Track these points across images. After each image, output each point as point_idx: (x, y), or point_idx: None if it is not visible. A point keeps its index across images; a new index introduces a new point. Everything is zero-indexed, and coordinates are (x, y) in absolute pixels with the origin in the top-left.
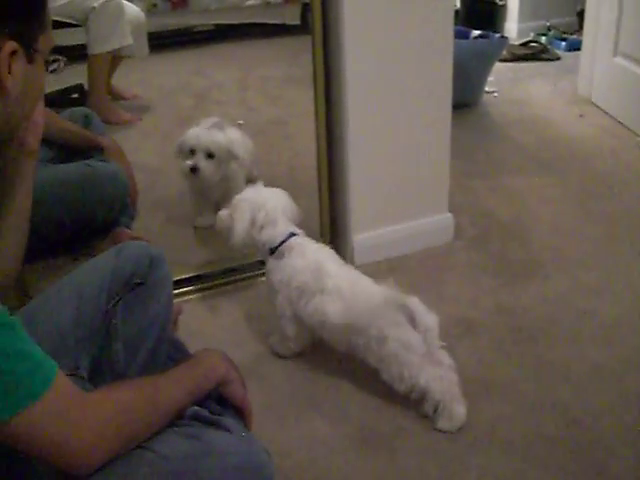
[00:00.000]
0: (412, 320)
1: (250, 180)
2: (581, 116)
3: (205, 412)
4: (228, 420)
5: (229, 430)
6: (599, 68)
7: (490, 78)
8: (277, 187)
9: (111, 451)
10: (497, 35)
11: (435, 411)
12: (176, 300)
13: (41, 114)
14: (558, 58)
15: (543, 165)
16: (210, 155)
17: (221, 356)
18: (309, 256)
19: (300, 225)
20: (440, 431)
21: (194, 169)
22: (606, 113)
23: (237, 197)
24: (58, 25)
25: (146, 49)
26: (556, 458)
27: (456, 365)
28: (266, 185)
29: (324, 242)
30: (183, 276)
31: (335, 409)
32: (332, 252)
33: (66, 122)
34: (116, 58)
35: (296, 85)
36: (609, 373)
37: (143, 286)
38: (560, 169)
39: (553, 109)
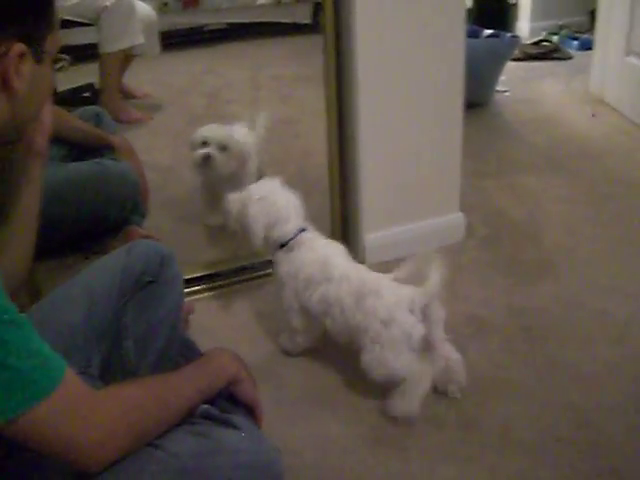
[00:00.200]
0: (423, 313)
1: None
2: (593, 115)
3: (215, 410)
4: (238, 418)
5: (239, 428)
6: (611, 67)
7: (502, 77)
8: (288, 186)
9: (121, 449)
10: (509, 34)
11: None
12: (187, 299)
13: (49, 114)
14: (570, 57)
15: (555, 164)
16: (223, 148)
17: (231, 355)
18: (318, 250)
19: (311, 224)
20: (386, 412)
21: (206, 157)
22: (618, 112)
23: (248, 191)
24: (69, 24)
25: (157, 48)
26: (568, 458)
27: (465, 362)
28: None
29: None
30: (194, 275)
31: (347, 408)
32: (341, 247)
33: (77, 121)
34: (127, 57)
35: (307, 84)
36: (621, 373)
37: (154, 284)
38: (572, 168)
39: (565, 108)
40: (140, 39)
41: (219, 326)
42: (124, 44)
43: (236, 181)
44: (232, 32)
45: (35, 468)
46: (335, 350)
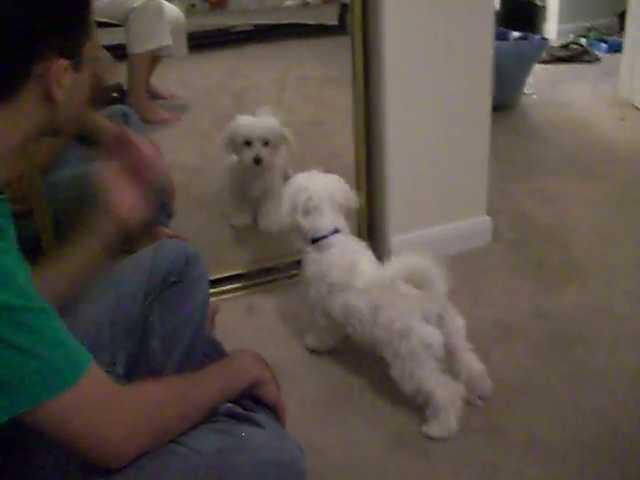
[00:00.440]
0: (439, 321)
1: (286, 180)
2: (622, 119)
3: (238, 409)
4: (261, 416)
5: (262, 426)
6: None
7: (529, 80)
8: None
9: (142, 446)
10: (537, 37)
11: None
12: (213, 299)
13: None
14: (598, 60)
15: (582, 168)
16: (266, 142)
17: (255, 357)
18: (346, 255)
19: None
20: (425, 435)
21: (257, 160)
22: None
23: (295, 178)
24: (98, 25)
25: (185, 49)
26: (593, 465)
27: (489, 369)
28: None
29: None
30: (220, 275)
31: (370, 410)
32: (370, 254)
33: (105, 120)
34: (155, 58)
35: (334, 85)
36: None
37: (179, 284)
38: (600, 172)
39: (593, 112)
40: (168, 40)
41: (244, 327)
42: (152, 45)
43: (268, 176)
44: (259, 33)
45: (35, 468)
46: (358, 352)
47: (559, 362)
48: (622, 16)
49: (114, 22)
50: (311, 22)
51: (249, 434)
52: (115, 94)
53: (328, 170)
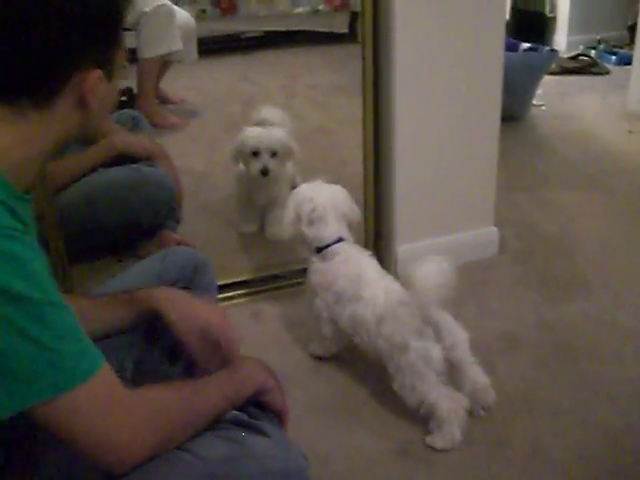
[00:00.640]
0: (438, 334)
1: (293, 188)
2: (630, 132)
3: (244, 416)
4: (267, 425)
5: (267, 434)
6: None
7: (538, 91)
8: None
9: (147, 450)
10: (547, 48)
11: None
12: (220, 305)
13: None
14: (607, 72)
15: (590, 180)
16: (274, 154)
17: (260, 364)
18: (352, 264)
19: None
20: (429, 446)
21: (265, 171)
22: None
23: (300, 187)
24: None
25: (195, 54)
26: (596, 478)
27: (493, 380)
28: None
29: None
30: (227, 281)
31: (375, 419)
32: (375, 262)
33: (115, 125)
34: (165, 62)
35: (343, 93)
36: None
37: (188, 291)
38: (608, 185)
39: (602, 124)
40: (178, 45)
41: (250, 333)
42: (162, 50)
43: (275, 186)
44: (269, 40)
45: (39, 468)
46: (363, 361)
47: (564, 374)
48: (632, 28)
49: (125, 26)
50: (321, 29)
51: (255, 442)
52: (124, 98)
53: (336, 178)
